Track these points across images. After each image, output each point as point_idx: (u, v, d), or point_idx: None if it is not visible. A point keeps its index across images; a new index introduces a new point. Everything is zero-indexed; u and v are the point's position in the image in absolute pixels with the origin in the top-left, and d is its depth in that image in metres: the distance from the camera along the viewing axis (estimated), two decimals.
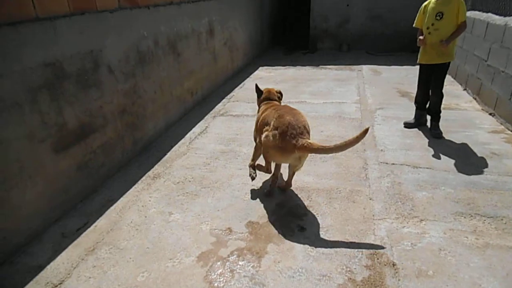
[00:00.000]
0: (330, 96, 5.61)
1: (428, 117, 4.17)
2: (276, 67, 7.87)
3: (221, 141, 4.06)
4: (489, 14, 5.14)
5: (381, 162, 3.39)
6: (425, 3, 3.79)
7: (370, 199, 2.80)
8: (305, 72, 7.28)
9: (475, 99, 5.11)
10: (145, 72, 3.86)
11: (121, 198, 2.98)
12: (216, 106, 5.30)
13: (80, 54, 2.89)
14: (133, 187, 3.16)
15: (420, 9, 3.86)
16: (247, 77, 7.06)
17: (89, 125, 3.03)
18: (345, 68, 7.53)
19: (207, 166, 3.48)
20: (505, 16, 4.69)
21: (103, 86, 3.19)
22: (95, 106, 3.10)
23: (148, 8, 3.86)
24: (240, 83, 6.55)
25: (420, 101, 4.15)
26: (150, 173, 3.41)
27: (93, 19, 3.03)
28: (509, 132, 3.95)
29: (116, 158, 3.43)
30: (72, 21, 2.80)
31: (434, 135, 3.90)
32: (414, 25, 3.95)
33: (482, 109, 4.70)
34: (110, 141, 3.33)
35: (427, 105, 4.10)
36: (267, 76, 7.07)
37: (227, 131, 4.34)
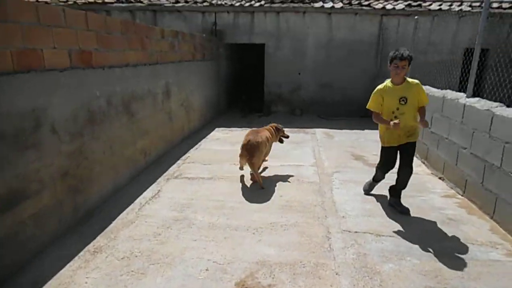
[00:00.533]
0: (287, 158, 5.60)
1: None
2: (232, 128, 7.87)
3: (175, 206, 3.75)
4: (428, 86, 5.63)
5: (343, 230, 3.27)
6: (380, 87, 3.59)
7: (336, 273, 2.61)
8: None
9: (423, 163, 5.36)
10: (95, 132, 3.58)
11: (51, 280, 2.51)
12: (171, 168, 5.02)
13: (19, 113, 2.59)
14: (68, 265, 2.70)
15: (374, 92, 3.61)
16: (204, 137, 6.93)
17: (21, 191, 2.63)
18: (300, 131, 7.71)
19: (157, 237, 3.13)
20: (441, 89, 5.16)
21: (44, 147, 2.85)
22: (31, 170, 2.73)
23: (102, 69, 3.70)
24: (196, 144, 6.38)
25: (379, 179, 4.02)
26: (90, 246, 2.98)
27: (39, 77, 2.79)
28: (460, 196, 4.09)
29: (51, 228, 2.98)
30: (15, 78, 2.55)
31: (403, 211, 3.63)
32: (367, 107, 3.68)
33: (432, 173, 4.91)
34: (45, 209, 2.90)
35: (395, 184, 3.76)
36: (223, 137, 7.00)
37: (181, 195, 4.05)
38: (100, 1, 10.06)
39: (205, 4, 9.56)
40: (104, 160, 3.78)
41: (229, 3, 9.50)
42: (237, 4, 9.40)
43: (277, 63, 9.68)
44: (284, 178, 4.66)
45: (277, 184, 4.45)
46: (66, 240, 3.05)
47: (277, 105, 10.01)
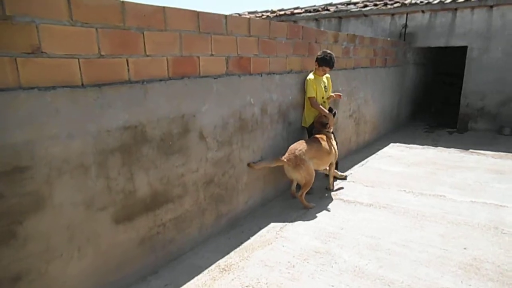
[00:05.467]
0: (483, 193, 4.17)
1: None
2: (411, 145, 6.67)
3: (319, 234, 3.23)
4: None
5: None
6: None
7: None
8: (449, 156, 5.88)
9: None
10: (245, 140, 3.46)
11: None
12: None
13: (168, 119, 2.66)
14: (196, 278, 2.60)
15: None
16: (373, 153, 6.09)
17: (164, 194, 2.70)
18: (508, 156, 5.79)
19: (290, 270, 2.69)
20: None
21: (190, 153, 2.87)
22: (175, 174, 2.77)
23: (260, 75, 3.56)
24: (362, 160, 5.64)
25: None
26: (222, 261, 2.82)
27: (192, 84, 2.82)
28: None
29: (190, 234, 2.99)
30: (167, 85, 2.62)
31: None
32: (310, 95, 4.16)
33: None
34: (187, 214, 2.93)
35: None
36: (397, 155, 5.97)
37: (330, 221, 3.49)
38: (289, 13, 10.53)
39: (396, 5, 8.57)
40: (253, 170, 3.64)
41: (425, 1, 8.18)
42: (436, 1, 7.98)
43: (482, 69, 7.71)
44: (474, 223, 3.41)
45: (461, 229, 3.29)
46: (203, 249, 3.01)
47: (476, 120, 7.98)
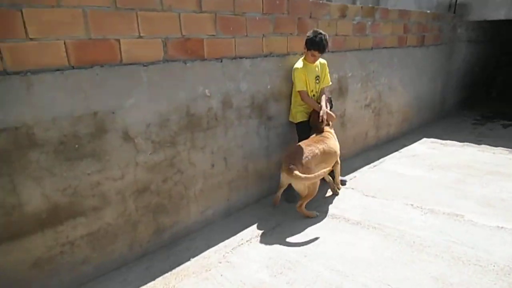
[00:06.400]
0: None
1: None
2: (447, 141, 5.57)
3: (275, 261, 2.60)
4: None
5: None
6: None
7: None
8: (491, 158, 4.76)
9: None
10: (197, 139, 2.89)
11: None
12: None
13: (71, 117, 2.17)
14: None
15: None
16: (395, 150, 5.16)
17: (69, 207, 2.25)
18: None
19: None
20: None
21: (109, 157, 2.38)
22: (87, 183, 2.30)
23: (220, 61, 2.92)
24: (376, 160, 4.76)
25: None
26: None
27: (108, 73, 2.28)
28: None
29: (116, 252, 2.54)
30: (66, 76, 2.12)
31: None
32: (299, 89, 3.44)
33: None
34: (108, 229, 2.47)
35: None
36: (425, 154, 4.98)
37: (296, 243, 2.82)
38: None
39: None
40: (213, 175, 3.07)
41: None
42: None
43: None
44: (488, 261, 2.53)
45: (466, 270, 2.45)
46: (131, 269, 2.55)
47: None
